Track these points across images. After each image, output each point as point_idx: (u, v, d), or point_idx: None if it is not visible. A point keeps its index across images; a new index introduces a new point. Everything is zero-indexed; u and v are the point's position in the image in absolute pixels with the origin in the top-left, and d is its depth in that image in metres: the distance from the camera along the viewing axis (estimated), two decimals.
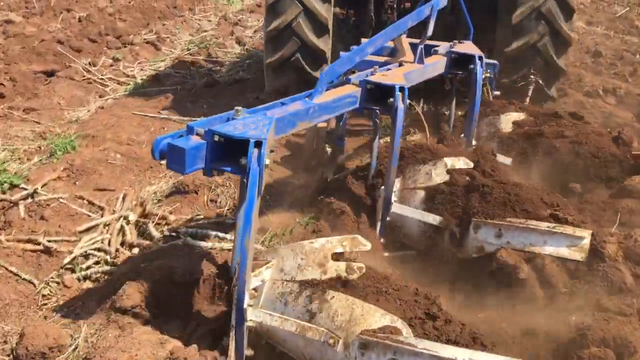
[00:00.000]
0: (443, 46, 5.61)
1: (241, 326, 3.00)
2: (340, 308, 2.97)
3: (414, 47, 5.29)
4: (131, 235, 4.53)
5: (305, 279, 3.15)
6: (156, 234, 4.48)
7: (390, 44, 5.45)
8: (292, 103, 3.81)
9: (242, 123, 3.15)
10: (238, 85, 8.67)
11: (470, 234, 4.06)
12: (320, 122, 4.08)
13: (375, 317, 2.92)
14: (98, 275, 4.15)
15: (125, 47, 10.59)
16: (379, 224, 4.36)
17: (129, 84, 8.80)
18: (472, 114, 5.43)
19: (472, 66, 5.37)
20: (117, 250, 4.38)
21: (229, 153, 3.05)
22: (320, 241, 3.24)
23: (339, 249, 3.22)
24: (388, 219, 4.35)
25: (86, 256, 4.33)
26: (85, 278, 4.15)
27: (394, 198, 4.34)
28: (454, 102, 5.99)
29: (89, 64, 9.14)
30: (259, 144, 2.93)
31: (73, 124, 6.99)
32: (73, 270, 4.17)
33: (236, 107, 3.32)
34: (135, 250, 4.36)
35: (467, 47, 5.67)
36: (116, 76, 9.04)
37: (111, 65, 9.47)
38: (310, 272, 3.17)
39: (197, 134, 3.11)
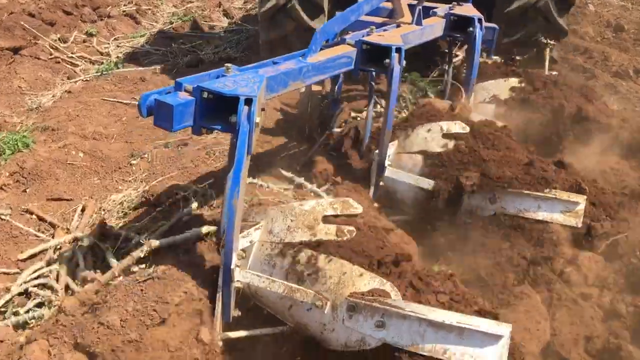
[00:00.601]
0: (442, 8, 5.48)
1: (228, 286, 2.97)
2: (329, 270, 2.94)
3: (412, 8, 5.16)
4: (85, 265, 3.60)
5: (295, 241, 3.11)
6: (115, 264, 3.41)
7: (388, 5, 5.32)
8: (285, 62, 3.71)
9: (232, 80, 3.06)
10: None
11: (464, 199, 4.01)
12: (313, 82, 3.98)
13: (364, 280, 2.88)
14: (39, 321, 3.26)
15: (101, 20, 9.45)
16: (372, 188, 4.31)
17: (102, 63, 7.91)
18: (470, 78, 5.34)
19: (471, 29, 5.26)
20: (66, 286, 3.49)
21: (218, 111, 2.96)
22: (310, 203, 3.20)
23: (330, 212, 3.17)
24: (381, 183, 4.30)
25: (28, 295, 3.51)
26: (22, 326, 3.29)
27: (387, 162, 4.28)
28: (450, 67, 5.87)
29: (59, 39, 8.13)
30: (249, 102, 2.85)
31: (33, 112, 6.14)
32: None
33: (226, 65, 3.22)
34: (91, 286, 3.20)
35: (467, 9, 5.53)
36: (89, 54, 8.16)
37: (84, 42, 8.52)
38: (299, 234, 3.13)
39: (186, 91, 3.02)
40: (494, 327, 2.54)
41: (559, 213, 3.83)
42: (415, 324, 2.61)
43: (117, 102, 6.45)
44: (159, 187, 4.35)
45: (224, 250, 2.90)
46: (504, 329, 2.54)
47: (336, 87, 5.45)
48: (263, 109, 3.06)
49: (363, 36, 4.31)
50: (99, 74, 7.47)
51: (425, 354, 2.57)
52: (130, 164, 5.03)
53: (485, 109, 5.46)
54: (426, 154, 4.35)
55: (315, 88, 5.61)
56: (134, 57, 8.10)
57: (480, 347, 2.52)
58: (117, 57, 8.21)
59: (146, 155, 5.12)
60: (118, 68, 7.68)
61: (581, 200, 3.78)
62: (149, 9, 10.43)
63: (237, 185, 2.83)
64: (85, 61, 7.94)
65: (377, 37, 4.30)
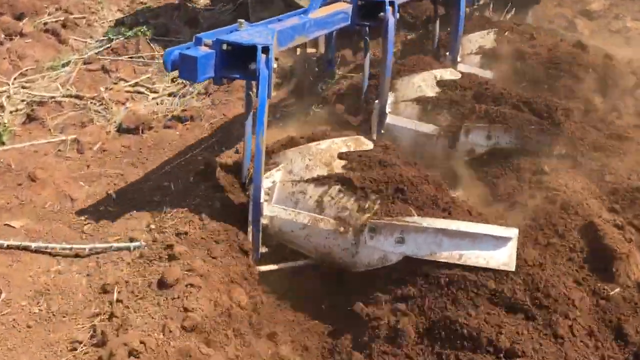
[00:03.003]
0: None
1: (258, 220, 3.25)
2: (349, 198, 3.23)
3: None
4: None
5: (314, 177, 3.39)
6: None
7: None
8: (289, 19, 3.97)
9: (247, 33, 3.32)
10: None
11: (461, 138, 4.32)
12: (315, 37, 4.24)
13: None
14: None
15: (9, 39, 6.35)
16: (374, 135, 4.59)
17: None
18: (457, 32, 5.60)
19: None
20: None
21: (237, 61, 3.22)
22: (326, 142, 3.48)
23: (344, 149, 3.46)
24: (382, 131, 4.58)
25: None
26: None
27: (388, 109, 4.56)
28: (437, 21, 6.13)
29: None
30: (266, 50, 3.11)
31: None
32: None
33: (239, 20, 3.47)
34: None
35: None
36: None
37: None
38: (318, 171, 3.41)
39: (205, 45, 3.26)
40: (502, 230, 2.86)
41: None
42: (431, 235, 2.92)
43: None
44: None
45: (253, 186, 3.18)
46: (512, 232, 2.86)
47: (329, 48, 5.70)
48: (276, 59, 3.32)
49: None
50: None
51: (443, 260, 2.89)
52: None
53: (472, 61, 5.75)
54: (422, 100, 4.64)
55: (309, 50, 5.87)
56: (34, 120, 5.00)
57: (492, 249, 2.84)
58: (14, 116, 5.03)
59: None
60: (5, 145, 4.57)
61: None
62: (83, 18, 7.11)
63: (261, 125, 3.11)
64: None
65: None
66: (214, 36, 3.27)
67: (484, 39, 5.91)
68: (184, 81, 5.47)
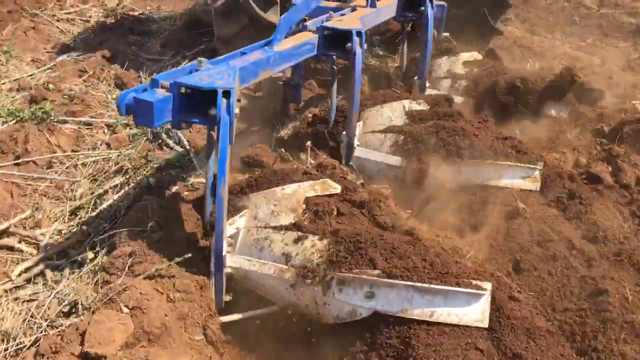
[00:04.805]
0: None
1: (220, 272, 3.09)
2: (316, 249, 3.08)
3: None
4: None
5: (279, 225, 3.24)
6: None
7: None
8: (253, 52, 3.82)
9: (207, 74, 3.15)
10: None
11: (430, 173, 4.22)
12: (279, 70, 4.09)
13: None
14: None
15: None
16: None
17: None
18: (425, 56, 5.52)
19: (422, 8, 5.44)
20: None
21: (196, 105, 3.06)
22: (292, 187, 3.33)
23: (311, 193, 3.32)
24: (351, 163, 4.46)
25: None
26: None
27: (356, 142, 4.44)
28: (405, 45, 6.05)
29: None
30: (227, 94, 2.96)
31: None
32: None
33: (199, 59, 3.31)
34: None
35: None
36: None
37: None
38: (283, 217, 3.27)
39: (162, 87, 3.10)
40: (476, 286, 2.75)
41: (519, 179, 4.10)
42: (403, 291, 2.79)
43: None
44: None
45: (214, 238, 3.01)
46: (485, 287, 2.75)
47: (297, 73, 5.56)
48: (238, 100, 3.16)
49: (323, 22, 4.44)
50: None
51: (414, 318, 2.76)
52: None
53: (441, 84, 5.69)
54: (391, 131, 4.53)
55: (275, 75, 5.72)
56: None
57: (465, 305, 2.73)
58: None
59: None
60: None
61: (539, 166, 4.07)
62: None
63: (223, 174, 2.94)
64: None
65: (337, 22, 4.44)
66: (172, 78, 3.10)
67: (453, 63, 5.87)
68: None
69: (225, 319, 3.24)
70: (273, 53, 3.83)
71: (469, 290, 2.73)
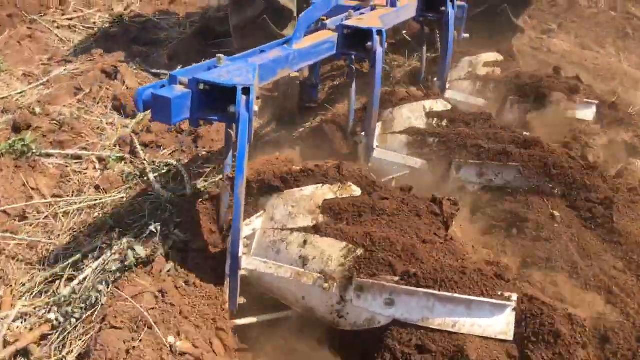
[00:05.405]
0: None
1: (235, 274, 3.01)
2: (334, 252, 2.99)
3: None
4: None
5: (297, 227, 3.16)
6: None
7: None
8: (272, 50, 3.74)
9: (226, 70, 3.08)
10: None
11: (452, 174, 4.12)
12: (299, 69, 4.01)
13: None
14: None
15: None
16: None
17: None
18: (445, 57, 5.41)
19: (443, 8, 5.33)
20: None
21: (215, 102, 2.98)
22: (310, 188, 3.24)
23: (330, 195, 3.23)
24: (370, 164, 4.37)
25: None
26: None
27: (375, 143, 4.35)
28: (424, 47, 5.94)
29: None
30: (246, 91, 2.88)
31: None
32: None
33: (218, 55, 3.23)
34: None
35: None
36: None
37: None
38: (301, 219, 3.18)
39: (181, 83, 3.02)
40: (501, 297, 2.64)
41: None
42: (423, 299, 2.69)
43: None
44: None
45: (230, 239, 2.93)
46: (511, 299, 2.64)
47: (314, 73, 5.48)
48: (258, 97, 3.08)
49: (342, 20, 4.35)
50: None
51: (435, 327, 2.66)
52: None
53: (461, 86, 5.58)
54: (411, 132, 4.43)
55: (293, 74, 5.64)
56: None
57: (489, 317, 2.63)
58: None
59: None
60: None
61: None
62: None
63: (241, 173, 2.86)
64: None
65: (357, 21, 4.35)
66: (190, 74, 3.03)
67: (473, 64, 5.75)
68: None
69: (240, 322, 3.16)
70: (292, 51, 3.75)
71: (494, 300, 2.63)
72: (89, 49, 7.32)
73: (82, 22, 8.34)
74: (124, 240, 3.58)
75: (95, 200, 4.33)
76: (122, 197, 4.30)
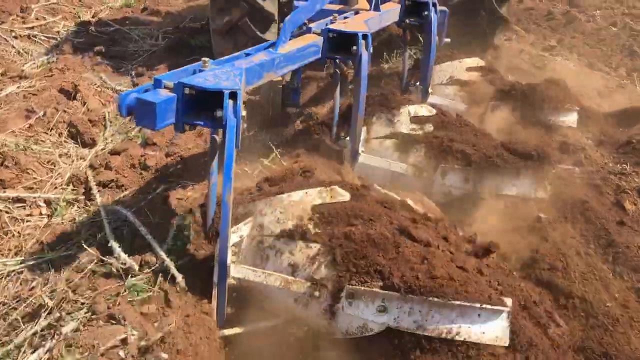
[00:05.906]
0: None
1: (224, 282, 2.94)
2: (324, 259, 2.94)
3: None
4: None
5: (286, 233, 3.09)
6: None
7: None
8: (257, 53, 3.68)
9: (212, 74, 3.00)
10: None
11: (438, 180, 4.10)
12: (284, 73, 3.95)
13: None
14: None
15: None
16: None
17: None
18: (428, 62, 5.41)
19: (426, 13, 5.33)
20: None
21: (200, 106, 2.91)
22: (298, 194, 3.18)
23: (318, 201, 3.17)
24: (356, 169, 4.32)
25: None
26: None
27: (361, 148, 4.31)
28: (406, 51, 5.94)
29: None
30: (233, 95, 2.81)
31: None
32: None
33: (203, 59, 3.16)
34: None
35: None
36: None
37: None
38: (290, 226, 3.11)
39: (166, 87, 2.94)
40: (495, 303, 2.61)
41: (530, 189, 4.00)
42: (417, 306, 2.65)
43: None
44: None
45: (218, 247, 2.86)
46: (505, 304, 2.62)
47: (296, 77, 5.41)
48: (244, 102, 3.02)
49: (327, 24, 4.31)
50: None
51: (429, 334, 2.62)
52: None
53: (443, 91, 5.58)
54: (396, 137, 4.40)
55: (275, 79, 5.57)
56: None
57: (483, 322, 2.59)
58: None
59: None
60: None
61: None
62: None
63: (228, 180, 2.80)
64: None
65: (342, 25, 4.31)
66: (176, 78, 2.95)
67: (455, 68, 5.76)
68: None
69: (228, 332, 3.09)
70: (278, 55, 3.69)
71: (489, 306, 2.59)
72: (48, 63, 6.53)
73: (44, 32, 7.48)
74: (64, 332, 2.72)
75: (37, 259, 3.39)
76: (69, 258, 3.36)
